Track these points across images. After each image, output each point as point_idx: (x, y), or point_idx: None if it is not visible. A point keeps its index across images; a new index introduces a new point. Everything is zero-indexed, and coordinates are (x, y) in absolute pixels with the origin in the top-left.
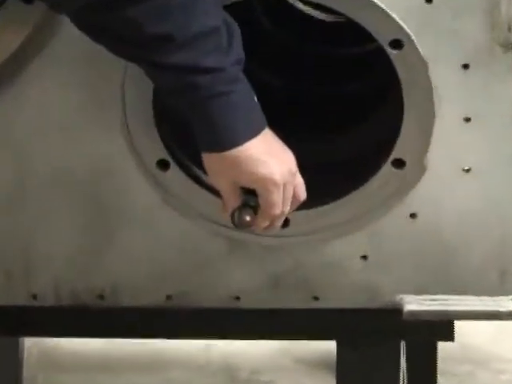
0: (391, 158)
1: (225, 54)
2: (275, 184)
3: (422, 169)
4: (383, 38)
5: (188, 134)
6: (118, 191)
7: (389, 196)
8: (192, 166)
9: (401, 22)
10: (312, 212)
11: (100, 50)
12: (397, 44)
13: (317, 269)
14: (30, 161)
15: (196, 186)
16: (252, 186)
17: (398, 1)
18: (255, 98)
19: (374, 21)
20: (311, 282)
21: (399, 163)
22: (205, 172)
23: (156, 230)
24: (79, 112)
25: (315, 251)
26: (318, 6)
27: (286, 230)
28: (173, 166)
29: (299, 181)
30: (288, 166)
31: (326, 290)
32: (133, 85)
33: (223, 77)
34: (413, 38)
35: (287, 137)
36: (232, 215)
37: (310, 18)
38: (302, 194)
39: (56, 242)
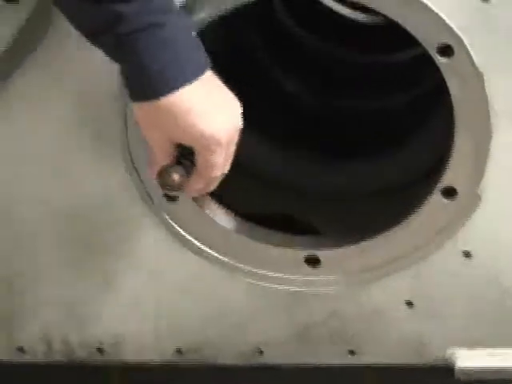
0: (440, 186)
1: None
2: (218, 143)
3: (476, 199)
4: (430, 43)
5: None
6: (120, 227)
7: (438, 231)
8: (203, 195)
9: (451, 24)
10: (347, 250)
11: (99, 60)
12: (446, 50)
13: (353, 318)
14: (16, 195)
15: (209, 219)
16: (190, 143)
17: None
18: (194, 33)
19: (418, 22)
20: (346, 333)
21: (450, 192)
22: (219, 202)
23: (164, 271)
24: (73, 139)
25: (351, 297)
26: (348, 4)
27: (317, 272)
28: (183, 195)
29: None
30: (234, 121)
31: (364, 342)
32: None
33: (152, 5)
34: (465, 43)
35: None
36: (159, 174)
37: (340, 17)
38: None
39: (47, 286)
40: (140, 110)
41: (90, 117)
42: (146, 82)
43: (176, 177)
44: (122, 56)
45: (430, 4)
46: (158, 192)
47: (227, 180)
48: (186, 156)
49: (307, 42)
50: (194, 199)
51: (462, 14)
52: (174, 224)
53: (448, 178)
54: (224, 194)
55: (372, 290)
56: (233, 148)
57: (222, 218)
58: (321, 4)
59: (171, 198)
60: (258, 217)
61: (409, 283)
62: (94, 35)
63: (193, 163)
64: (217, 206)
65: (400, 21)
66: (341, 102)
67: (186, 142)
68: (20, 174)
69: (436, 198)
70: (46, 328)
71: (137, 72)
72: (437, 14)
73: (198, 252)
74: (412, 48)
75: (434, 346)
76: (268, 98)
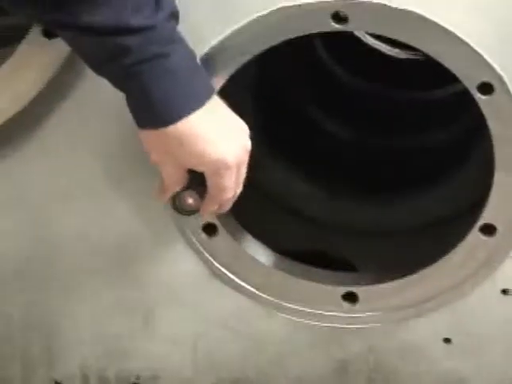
0: (480, 223)
1: (154, 7)
2: (227, 167)
3: None
4: (470, 81)
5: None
6: (157, 261)
7: (477, 268)
8: (242, 231)
9: (491, 62)
10: (385, 287)
11: None
12: (486, 88)
13: (391, 354)
14: (51, 228)
15: (248, 256)
16: (200, 169)
17: (488, 35)
18: (197, 61)
19: (458, 59)
20: (384, 369)
21: (489, 229)
22: (257, 238)
23: (203, 307)
24: (110, 170)
25: (389, 333)
26: (387, 41)
27: (356, 309)
28: (221, 230)
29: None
30: (242, 143)
31: (402, 379)
32: None
33: (155, 36)
34: (506, 80)
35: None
36: (173, 199)
37: (379, 54)
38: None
39: (84, 321)
40: (148, 137)
41: (128, 154)
42: (153, 110)
43: (191, 201)
44: (128, 86)
45: (470, 42)
46: (196, 228)
47: (266, 217)
48: (197, 180)
49: (345, 79)
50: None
51: (503, 52)
52: (212, 260)
53: (487, 215)
54: (263, 231)
55: (410, 326)
56: (244, 169)
57: (260, 254)
58: (359, 41)
59: (210, 232)
60: (297, 253)
61: (447, 320)
62: (99, 66)
63: (204, 186)
64: (255, 242)
65: (440, 58)
66: (379, 139)
67: (196, 167)
68: (60, 211)
69: (475, 235)
70: (83, 363)
71: (143, 101)
72: (477, 51)
73: (237, 288)
74: (451, 85)
75: (473, 383)
76: (307, 137)
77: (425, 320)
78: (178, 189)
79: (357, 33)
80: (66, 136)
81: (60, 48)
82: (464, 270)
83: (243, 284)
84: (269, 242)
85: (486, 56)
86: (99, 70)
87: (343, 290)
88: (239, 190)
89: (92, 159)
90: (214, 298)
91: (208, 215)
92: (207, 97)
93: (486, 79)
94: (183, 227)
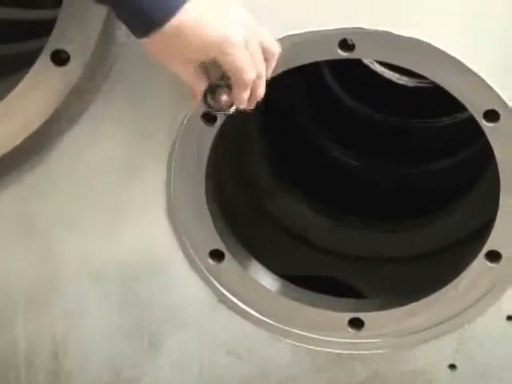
0: (485, 249)
1: None
2: (233, 45)
3: None
4: (476, 108)
5: (241, 217)
6: (163, 287)
7: (482, 295)
8: (249, 257)
9: (497, 90)
10: (391, 313)
11: (144, 121)
12: (492, 115)
13: (396, 380)
14: (56, 253)
15: (254, 281)
16: (209, 57)
17: (493, 63)
18: None
19: (464, 87)
20: None
21: (494, 256)
22: (263, 264)
23: (209, 332)
24: (119, 196)
25: (394, 359)
26: (394, 68)
27: (360, 335)
28: (228, 256)
29: (263, 31)
30: (242, 19)
31: None
32: (181, 162)
33: None
34: (511, 107)
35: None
36: (205, 99)
37: (386, 81)
38: (274, 45)
39: (90, 346)
40: (150, 44)
41: (134, 181)
42: (144, 13)
43: (223, 96)
44: None
45: (476, 69)
46: (203, 254)
47: (272, 243)
48: (218, 74)
49: (353, 106)
50: None
51: (508, 79)
52: (219, 286)
53: (492, 242)
54: (269, 257)
55: (415, 352)
56: (255, 44)
57: (266, 280)
58: (368, 68)
59: (217, 258)
60: (303, 279)
61: (452, 346)
62: None
63: (228, 77)
64: (262, 268)
65: (446, 86)
66: (384, 166)
67: (204, 56)
68: (66, 237)
69: (480, 262)
70: None
71: (132, 8)
72: (483, 79)
73: (243, 314)
74: (457, 112)
75: None
76: (313, 164)
77: (430, 346)
78: (203, 87)
79: (365, 60)
80: (73, 163)
81: (69, 75)
82: (469, 297)
83: (249, 310)
84: (275, 268)
85: (491, 83)
86: None
87: (349, 315)
88: (262, 67)
89: (98, 186)
90: (219, 324)
91: (244, 105)
92: None
93: (491, 107)
94: (190, 253)
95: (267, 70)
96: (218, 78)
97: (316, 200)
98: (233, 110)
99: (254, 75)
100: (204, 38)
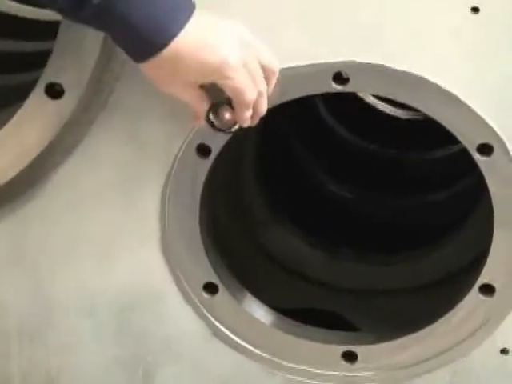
0: (478, 282)
1: None
2: (232, 67)
3: None
4: (469, 141)
5: (235, 250)
6: (157, 319)
7: (476, 328)
8: (243, 290)
9: (490, 123)
10: (385, 346)
11: (139, 153)
12: (486, 149)
13: None
14: (50, 285)
15: (248, 314)
16: (209, 80)
17: (487, 97)
18: None
19: (458, 120)
20: None
21: (488, 289)
22: (257, 297)
23: (202, 365)
24: (113, 228)
25: None
26: (388, 100)
27: (355, 368)
28: (221, 289)
29: (259, 47)
30: (236, 39)
31: None
32: (175, 194)
33: None
34: (505, 142)
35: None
36: (208, 119)
37: (380, 113)
38: (274, 62)
39: (83, 378)
40: (149, 68)
41: (129, 212)
42: (142, 38)
43: (226, 115)
44: (107, 23)
45: (470, 103)
46: (197, 287)
47: (266, 276)
48: (219, 94)
49: (347, 138)
50: None
51: (502, 113)
52: (212, 319)
53: (486, 275)
54: (263, 290)
55: None
56: (254, 64)
57: (260, 313)
58: (362, 100)
59: (211, 291)
60: (297, 312)
61: (446, 379)
62: (74, 13)
63: (229, 97)
64: (255, 301)
65: (440, 119)
66: (378, 198)
67: (205, 79)
68: (59, 269)
69: (474, 295)
70: None
71: (129, 33)
72: (477, 113)
73: (237, 347)
74: (451, 145)
75: None
76: (307, 196)
77: (424, 379)
78: (205, 108)
79: (359, 93)
80: (67, 195)
81: (63, 108)
82: (463, 330)
83: (243, 343)
84: (269, 300)
85: (485, 117)
86: (77, 18)
87: (342, 349)
88: (263, 85)
89: (92, 218)
90: (213, 357)
91: (247, 123)
92: (191, 10)
93: (485, 140)
94: (184, 286)
95: (268, 86)
96: (220, 96)
97: (310, 232)
98: (236, 127)
99: (255, 95)
100: (203, 62)
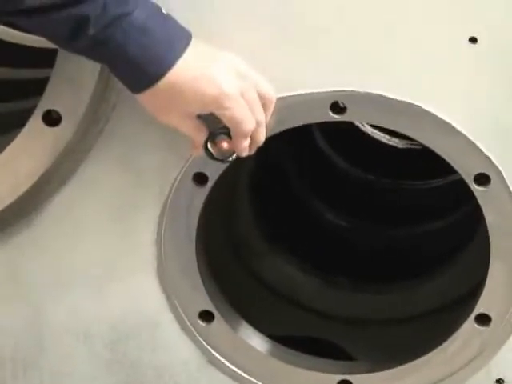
0: (474, 312)
1: None
2: (229, 98)
3: (510, 327)
4: (466, 172)
5: (231, 278)
6: (152, 347)
7: (471, 358)
8: (238, 318)
9: (488, 153)
10: (380, 376)
11: (135, 180)
12: (483, 179)
13: None
14: (43, 314)
15: (243, 342)
16: (207, 110)
17: (484, 127)
18: (164, 11)
19: (455, 150)
20: None
21: (484, 319)
22: (253, 325)
23: None
24: (108, 255)
25: None
26: (385, 130)
27: None
28: (217, 317)
29: (255, 78)
30: (233, 69)
31: None
32: (171, 222)
33: None
34: (502, 172)
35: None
36: (206, 149)
37: (377, 143)
38: (270, 91)
39: None
40: (146, 100)
41: (124, 240)
42: (139, 70)
43: (224, 144)
44: (103, 55)
45: (467, 133)
46: (193, 315)
47: (262, 304)
48: (217, 124)
49: (343, 168)
50: None
51: (499, 143)
52: (208, 347)
53: (482, 305)
54: (259, 318)
55: None
56: (251, 92)
57: (256, 341)
58: (358, 130)
59: (206, 319)
60: (293, 341)
61: None
62: (68, 45)
63: (227, 127)
64: (251, 329)
65: (437, 149)
66: (374, 227)
67: (202, 110)
68: (53, 297)
69: (470, 325)
70: None
71: (125, 65)
72: (474, 143)
73: (232, 375)
74: (448, 174)
75: None
76: (303, 225)
77: None
78: (203, 137)
79: (356, 122)
80: (62, 224)
81: (60, 135)
82: (459, 360)
83: (239, 371)
84: (265, 329)
85: (482, 147)
86: (71, 48)
87: (338, 378)
88: (261, 116)
89: (87, 246)
90: None
91: (246, 153)
92: (187, 40)
93: (482, 170)
94: (179, 314)
95: (266, 115)
96: (217, 125)
97: (306, 260)
98: (234, 156)
99: (253, 125)
100: (200, 93)
